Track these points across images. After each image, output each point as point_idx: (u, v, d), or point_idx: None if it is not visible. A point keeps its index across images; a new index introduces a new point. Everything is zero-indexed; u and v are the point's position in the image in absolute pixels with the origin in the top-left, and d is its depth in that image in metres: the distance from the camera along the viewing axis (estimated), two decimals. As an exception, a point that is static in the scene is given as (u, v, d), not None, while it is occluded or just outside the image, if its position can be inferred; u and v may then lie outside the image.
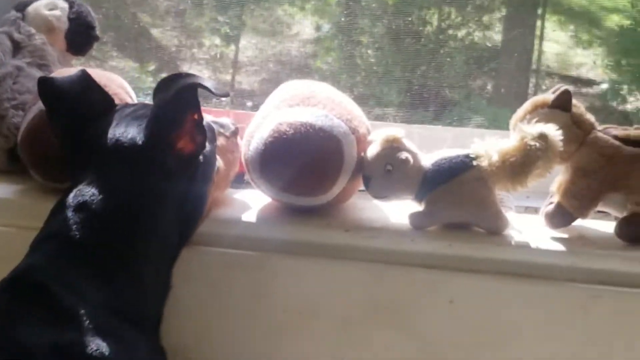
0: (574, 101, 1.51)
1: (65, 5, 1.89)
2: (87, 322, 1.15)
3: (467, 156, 1.47)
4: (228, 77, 3.04)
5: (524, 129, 1.42)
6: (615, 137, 1.50)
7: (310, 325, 1.55)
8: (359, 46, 2.84)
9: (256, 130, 1.51)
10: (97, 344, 1.12)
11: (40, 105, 1.46)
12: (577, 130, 1.49)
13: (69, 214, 1.25)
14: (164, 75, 2.86)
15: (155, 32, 3.06)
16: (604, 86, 2.88)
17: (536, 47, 2.86)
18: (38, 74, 1.73)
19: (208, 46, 3.05)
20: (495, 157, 1.42)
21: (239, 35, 3.01)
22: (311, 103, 1.51)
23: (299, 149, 1.45)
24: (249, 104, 2.87)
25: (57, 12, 1.87)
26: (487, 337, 1.50)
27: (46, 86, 1.38)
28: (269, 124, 1.48)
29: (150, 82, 2.89)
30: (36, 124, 1.55)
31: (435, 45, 2.82)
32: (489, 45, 2.91)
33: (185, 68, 2.99)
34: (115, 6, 2.80)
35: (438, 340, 1.51)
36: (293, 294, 1.55)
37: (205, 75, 2.94)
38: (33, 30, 1.84)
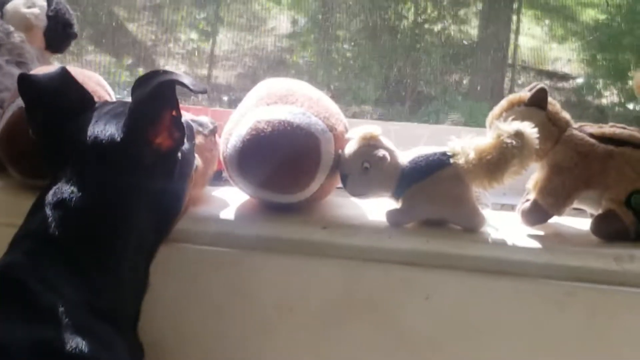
0: (550, 99, 1.52)
1: (44, 4, 1.90)
2: (66, 319, 1.15)
3: (444, 154, 1.48)
4: (204, 72, 3.04)
5: (501, 126, 1.43)
6: (591, 135, 1.51)
7: (288, 321, 1.55)
8: (336, 41, 2.85)
9: (234, 128, 1.51)
10: (75, 342, 1.12)
11: (19, 102, 1.47)
12: (552, 128, 1.50)
13: (48, 211, 1.25)
14: (140, 70, 2.87)
15: (131, 26, 3.06)
16: (580, 81, 2.90)
17: (512, 41, 2.87)
18: (17, 71, 1.73)
19: (184, 41, 3.05)
20: (471, 155, 1.43)
21: (216, 30, 3.02)
22: (289, 101, 1.52)
23: (276, 146, 1.46)
24: (225, 98, 2.87)
25: (35, 10, 1.88)
26: (463, 333, 1.51)
27: (26, 83, 1.37)
28: (247, 122, 1.49)
29: (127, 77, 2.89)
30: (15, 121, 1.55)
31: (412, 40, 2.83)
32: (465, 39, 2.92)
33: (162, 63, 3.00)
34: (92, 1, 2.79)
35: (414, 336, 1.52)
36: (271, 291, 1.55)
37: (181, 70, 2.95)
38: (11, 28, 1.84)
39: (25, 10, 1.87)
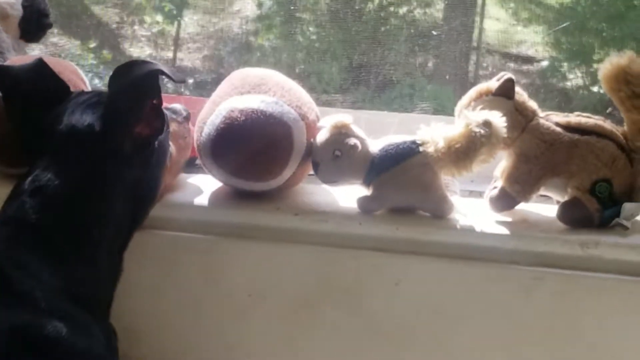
0: (517, 89, 1.54)
1: (20, -7, 1.90)
2: (43, 304, 1.16)
3: (413, 142, 1.50)
4: (169, 54, 3.03)
5: (469, 115, 1.45)
6: (557, 124, 1.54)
7: (260, 307, 1.58)
8: (301, 23, 2.85)
9: (208, 116, 1.53)
10: (53, 326, 1.14)
11: (-4, 92, 1.47)
12: (519, 117, 1.53)
13: (25, 198, 1.26)
14: (104, 52, 2.86)
15: (96, 9, 3.05)
16: (545, 64, 2.91)
17: (477, 24, 2.88)
18: (-8, 61, 1.75)
19: (149, 23, 3.04)
20: (441, 144, 1.45)
21: (181, 12, 3.01)
22: (262, 90, 1.54)
23: (249, 135, 1.48)
24: (191, 81, 2.87)
25: (10, 0, 1.87)
26: (433, 317, 1.54)
27: (2, 74, 1.39)
28: (221, 110, 1.51)
29: (92, 59, 2.88)
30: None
31: (377, 22, 2.83)
32: (430, 22, 2.93)
33: (127, 45, 2.98)
34: (56, -17, 2.77)
35: (385, 321, 1.56)
36: (243, 277, 1.58)
37: (146, 52, 2.95)
38: (-14, 18, 1.84)
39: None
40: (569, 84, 2.89)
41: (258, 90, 1.54)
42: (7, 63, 1.65)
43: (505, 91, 1.52)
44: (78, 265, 1.26)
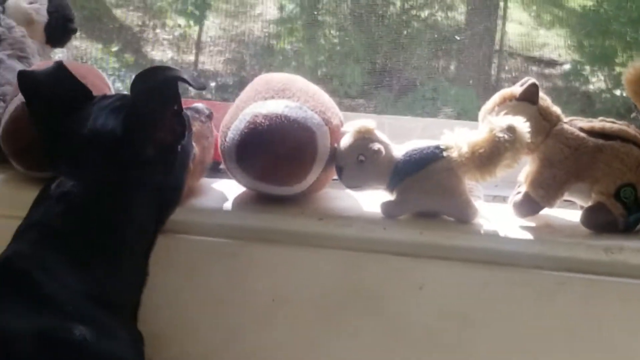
0: (541, 94, 1.54)
1: (45, -1, 1.92)
2: (69, 308, 1.18)
3: (437, 147, 1.50)
4: (191, 58, 3.04)
5: (493, 121, 1.45)
6: (581, 129, 1.53)
7: (284, 312, 1.58)
8: (323, 27, 2.85)
9: (232, 121, 1.53)
10: (79, 330, 1.16)
11: (21, 97, 1.48)
12: (543, 122, 1.53)
13: (51, 203, 1.28)
14: (127, 55, 2.87)
15: (118, 12, 3.06)
16: (567, 67, 2.91)
17: (499, 27, 2.87)
18: (18, 65, 1.77)
19: (171, 26, 3.05)
20: (464, 149, 1.45)
21: (203, 16, 3.02)
22: (286, 95, 1.55)
23: (274, 140, 1.49)
24: (213, 84, 2.88)
25: (36, 5, 1.90)
26: (456, 322, 1.54)
27: (25, 79, 1.40)
28: (245, 115, 1.52)
29: (114, 63, 2.89)
30: (18, 115, 1.57)
31: (399, 26, 2.83)
32: (452, 26, 2.92)
33: (149, 49, 2.99)
34: (78, -13, 2.79)
35: (408, 325, 1.56)
36: (267, 281, 1.58)
37: (168, 56, 2.96)
38: (13, 23, 1.86)
39: (26, 5, 1.89)
40: (591, 87, 2.88)
41: (282, 95, 1.55)
42: (32, 67, 1.66)
43: (530, 96, 1.52)
44: (103, 270, 1.27)
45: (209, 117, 1.59)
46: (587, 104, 2.79)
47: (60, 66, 1.42)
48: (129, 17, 3.05)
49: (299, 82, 1.61)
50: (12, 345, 1.12)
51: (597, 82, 2.89)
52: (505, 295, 1.51)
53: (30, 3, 1.89)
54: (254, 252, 1.57)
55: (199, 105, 1.59)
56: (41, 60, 1.85)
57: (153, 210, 1.36)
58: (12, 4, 1.89)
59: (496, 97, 1.56)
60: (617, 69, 2.83)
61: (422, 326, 1.55)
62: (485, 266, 1.51)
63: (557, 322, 1.50)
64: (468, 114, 2.61)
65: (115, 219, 1.30)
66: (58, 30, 1.93)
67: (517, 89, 1.54)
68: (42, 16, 1.90)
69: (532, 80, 1.53)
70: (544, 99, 1.55)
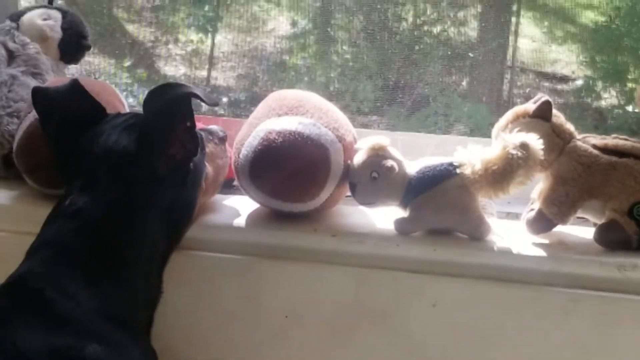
0: (554, 111, 1.54)
1: (59, 15, 1.93)
2: (82, 326, 1.19)
3: (450, 164, 1.50)
4: (204, 73, 3.05)
5: (506, 138, 1.45)
6: (594, 146, 1.53)
7: (297, 328, 1.58)
8: (335, 42, 2.86)
9: (246, 138, 1.54)
10: (93, 348, 1.16)
11: (35, 113, 1.49)
12: (557, 139, 1.53)
13: (64, 221, 1.29)
14: (139, 71, 2.88)
15: (130, 27, 3.07)
16: (579, 82, 2.90)
17: (511, 43, 2.88)
18: (32, 82, 1.78)
19: (184, 42, 3.05)
20: (478, 166, 1.45)
21: (215, 31, 3.02)
22: (299, 112, 1.55)
23: (287, 157, 1.49)
24: (225, 99, 2.88)
25: (50, 22, 1.91)
26: (469, 340, 1.54)
27: (39, 96, 1.41)
28: (259, 132, 1.52)
29: (126, 78, 2.90)
30: (32, 131, 1.58)
31: (411, 41, 2.83)
32: (464, 41, 2.92)
33: (161, 64, 3.00)
34: (90, 1, 2.80)
35: (422, 343, 1.56)
36: (281, 298, 1.58)
37: (181, 71, 2.97)
38: (27, 40, 1.87)
39: (40, 22, 1.90)
40: (603, 103, 2.88)
41: (295, 112, 1.55)
42: (46, 84, 1.67)
43: (543, 113, 1.53)
44: (115, 287, 1.28)
45: (223, 139, 1.59)
46: (599, 120, 2.79)
47: (75, 84, 1.43)
48: (142, 32, 3.06)
49: (313, 98, 1.61)
50: None
51: (609, 98, 2.88)
52: (518, 313, 1.51)
53: (45, 20, 1.90)
54: (267, 269, 1.57)
55: (214, 127, 1.59)
56: (55, 76, 1.86)
57: (165, 228, 1.36)
58: (27, 20, 1.90)
59: (509, 114, 1.56)
60: (630, 84, 2.83)
61: (436, 343, 1.55)
62: (499, 283, 1.51)
63: (570, 340, 1.50)
64: (481, 130, 2.61)
65: (128, 236, 1.31)
66: (72, 46, 1.94)
67: (530, 106, 1.54)
68: (56, 33, 1.91)
69: (546, 97, 1.53)
70: (557, 116, 1.55)
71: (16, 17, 1.92)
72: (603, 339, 1.50)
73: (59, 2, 2.01)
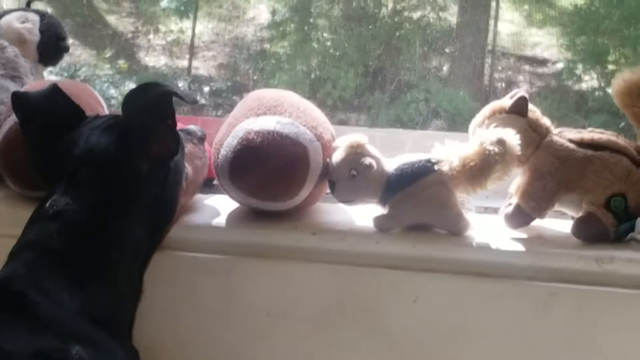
0: (531, 106, 1.55)
1: (36, 18, 1.93)
2: (66, 328, 1.19)
3: (428, 161, 1.51)
4: (185, 63, 3.05)
5: (483, 134, 1.46)
6: (570, 140, 1.55)
7: (279, 326, 1.59)
8: (315, 30, 2.86)
9: (225, 138, 1.54)
10: (76, 350, 1.16)
11: (15, 116, 1.49)
12: (533, 134, 1.54)
13: (45, 223, 1.29)
14: (121, 61, 2.88)
15: (111, 18, 3.07)
16: (560, 66, 2.91)
17: (491, 27, 2.88)
18: (11, 85, 1.78)
19: (164, 32, 3.05)
20: (455, 162, 1.46)
21: (195, 21, 3.02)
22: (278, 111, 1.55)
23: (266, 156, 1.50)
24: (207, 89, 2.89)
25: (28, 25, 1.91)
26: (450, 334, 1.55)
27: (19, 100, 1.41)
28: (237, 132, 1.53)
29: (107, 69, 2.90)
30: (12, 135, 1.58)
31: (391, 27, 2.84)
32: (445, 27, 2.93)
33: (142, 55, 3.00)
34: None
35: (403, 338, 1.57)
36: (262, 297, 1.59)
37: (161, 61, 2.97)
38: (6, 43, 1.87)
39: (18, 25, 1.90)
40: (584, 85, 2.89)
41: (274, 111, 1.56)
42: (26, 87, 1.67)
43: (519, 109, 1.54)
44: (98, 288, 1.28)
45: (202, 139, 1.60)
46: (580, 103, 2.80)
47: (55, 88, 1.43)
48: (122, 23, 3.06)
49: (291, 97, 1.62)
50: None
51: (590, 80, 2.89)
52: (498, 307, 1.52)
53: (22, 23, 1.90)
54: (247, 268, 1.58)
55: (192, 127, 1.60)
56: (34, 79, 1.86)
57: (147, 227, 1.37)
58: (4, 23, 1.90)
59: (485, 110, 1.57)
60: (610, 67, 2.84)
61: (416, 339, 1.56)
62: (478, 278, 1.52)
63: (550, 333, 1.51)
64: (462, 114, 2.63)
65: (110, 237, 1.31)
66: (50, 48, 1.94)
67: (506, 102, 1.55)
68: (35, 35, 1.91)
69: (522, 93, 1.54)
70: (534, 111, 1.56)
71: (-7, 21, 1.92)
72: (583, 331, 1.51)
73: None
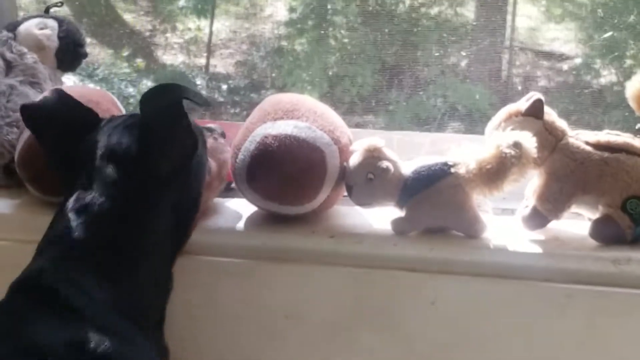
0: (546, 108, 1.56)
1: (55, 24, 1.95)
2: (97, 321, 1.20)
3: (445, 164, 1.52)
4: (202, 61, 3.05)
5: (499, 137, 1.47)
6: (586, 143, 1.55)
7: (298, 329, 1.61)
8: (333, 27, 2.86)
9: (242, 143, 1.55)
10: (107, 342, 1.17)
11: (31, 126, 1.50)
12: (549, 136, 1.54)
13: (71, 216, 1.30)
14: (138, 60, 2.89)
15: (128, 17, 3.07)
16: (578, 61, 2.90)
17: (509, 23, 2.87)
18: (31, 91, 1.81)
19: (182, 30, 3.06)
20: (472, 165, 1.47)
21: (213, 19, 3.03)
22: (295, 116, 1.56)
23: (284, 161, 1.51)
24: (224, 86, 2.89)
25: (47, 31, 1.93)
26: (468, 336, 1.56)
27: (29, 113, 1.42)
28: (255, 137, 1.54)
29: (125, 68, 2.90)
30: (32, 141, 1.59)
31: (409, 24, 2.83)
32: (462, 22, 2.92)
33: (160, 53, 3.01)
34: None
35: (421, 341, 1.58)
36: (280, 300, 1.61)
37: (179, 59, 2.98)
38: (25, 50, 1.89)
39: (37, 31, 1.92)
40: (602, 80, 2.88)
41: (290, 115, 1.56)
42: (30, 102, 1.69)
43: (535, 111, 1.54)
44: (124, 281, 1.29)
45: (222, 134, 1.61)
46: (599, 98, 2.79)
47: (60, 94, 1.45)
48: (140, 21, 3.06)
49: (308, 101, 1.63)
50: (41, 357, 1.14)
51: (608, 75, 2.88)
52: (515, 308, 1.53)
53: (41, 29, 1.92)
54: (266, 271, 1.60)
55: (212, 125, 1.61)
56: (53, 85, 1.87)
57: (171, 223, 1.38)
58: (23, 30, 1.92)
59: (502, 113, 1.57)
60: (628, 61, 2.83)
61: (434, 341, 1.57)
62: (495, 280, 1.53)
63: (566, 334, 1.52)
64: (480, 110, 2.62)
65: (135, 231, 1.32)
66: (69, 55, 1.96)
67: (522, 105, 1.56)
68: (53, 42, 1.92)
69: (538, 95, 1.54)
70: (549, 114, 1.56)
71: (13, 27, 1.94)
72: (599, 333, 1.52)
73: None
